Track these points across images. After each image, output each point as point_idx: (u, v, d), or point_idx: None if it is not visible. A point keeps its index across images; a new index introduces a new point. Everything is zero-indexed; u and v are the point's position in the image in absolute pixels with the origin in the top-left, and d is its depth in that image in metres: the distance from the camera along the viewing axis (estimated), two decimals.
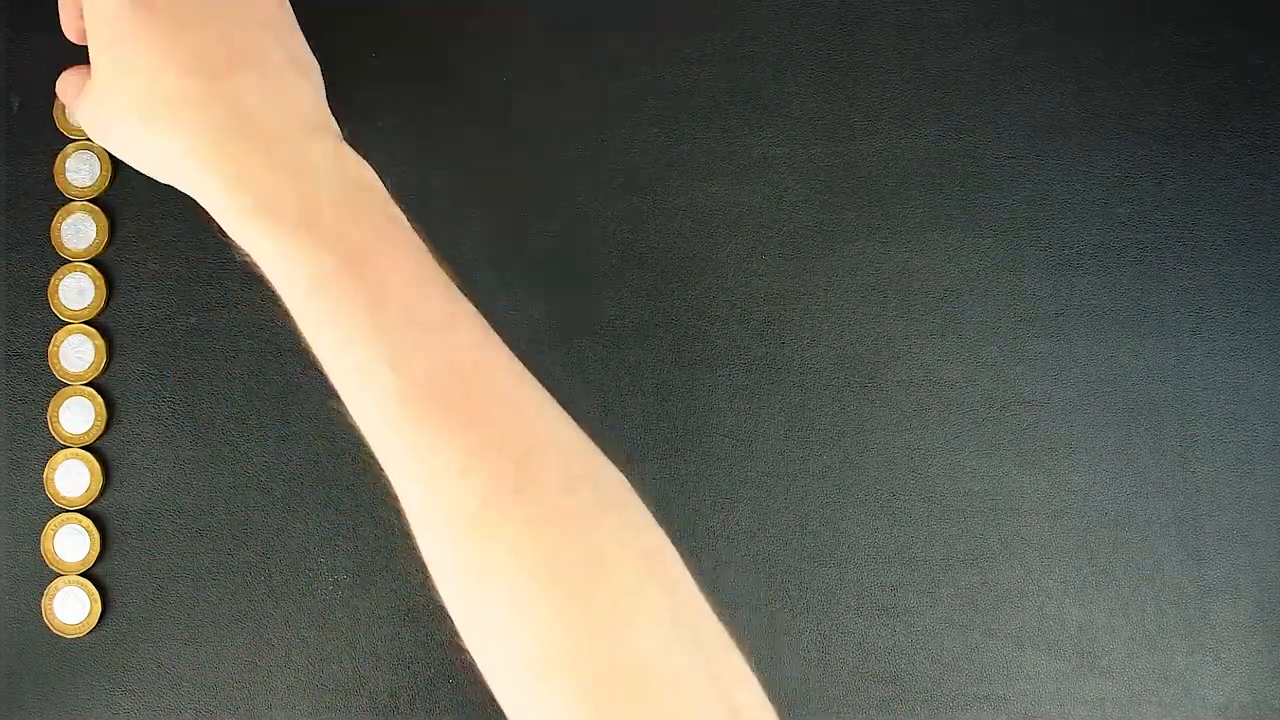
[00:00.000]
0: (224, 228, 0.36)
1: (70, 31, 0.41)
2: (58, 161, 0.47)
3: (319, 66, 0.39)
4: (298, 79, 0.37)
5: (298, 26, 0.39)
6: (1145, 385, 0.45)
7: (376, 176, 0.37)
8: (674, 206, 0.46)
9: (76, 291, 0.46)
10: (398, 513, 0.45)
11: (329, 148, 0.36)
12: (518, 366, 0.36)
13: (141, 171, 0.38)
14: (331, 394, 0.35)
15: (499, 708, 0.44)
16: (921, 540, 0.44)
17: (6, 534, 0.45)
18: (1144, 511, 0.44)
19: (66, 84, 0.42)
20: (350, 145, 0.37)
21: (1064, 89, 0.47)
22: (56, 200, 0.47)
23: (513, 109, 0.47)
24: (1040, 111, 0.47)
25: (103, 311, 0.46)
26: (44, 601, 0.45)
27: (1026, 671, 0.43)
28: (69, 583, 0.45)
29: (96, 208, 0.47)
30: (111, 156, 0.47)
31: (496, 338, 0.36)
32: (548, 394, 0.36)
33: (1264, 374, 0.45)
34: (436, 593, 0.45)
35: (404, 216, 0.37)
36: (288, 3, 0.40)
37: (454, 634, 0.44)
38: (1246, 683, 0.43)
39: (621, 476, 0.35)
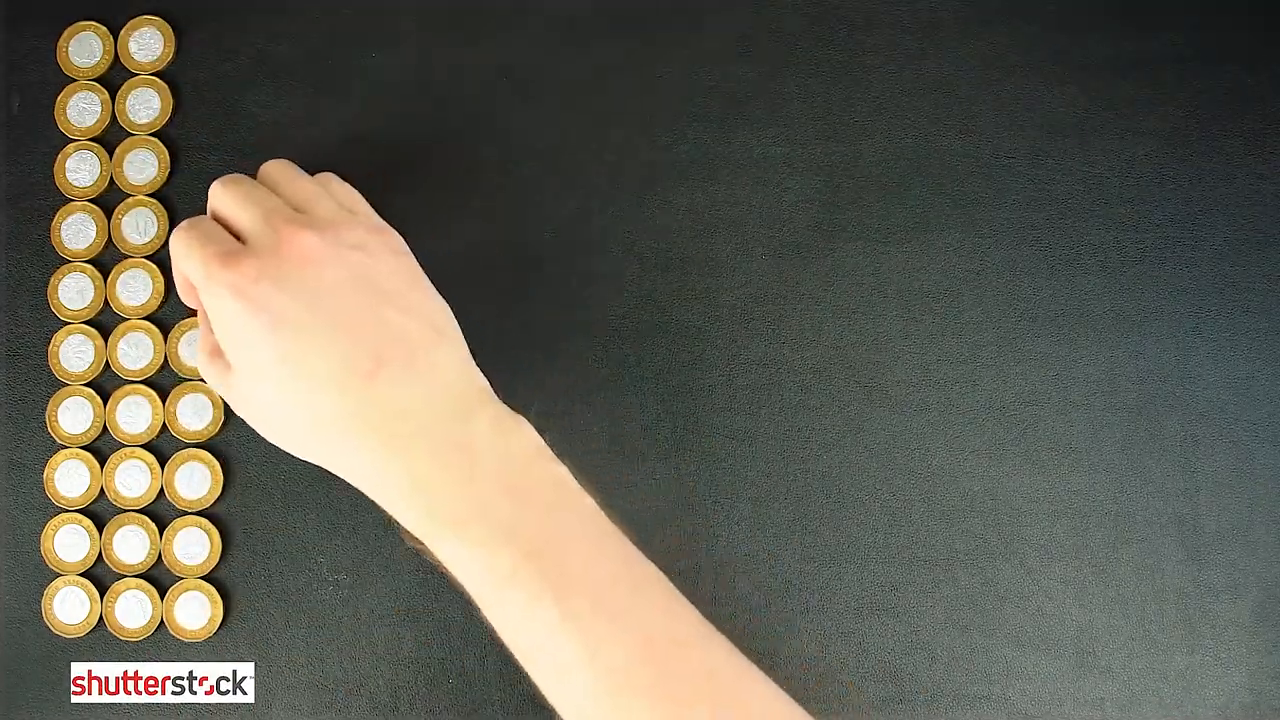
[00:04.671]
0: (407, 528, 0.36)
1: (184, 295, 0.41)
2: (58, 161, 0.47)
3: (450, 314, 0.39)
4: (439, 347, 0.37)
5: (421, 277, 0.39)
6: (1145, 385, 0.45)
7: (534, 433, 0.37)
8: (674, 206, 0.46)
9: (76, 291, 0.46)
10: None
11: (485, 424, 0.36)
12: (708, 628, 0.36)
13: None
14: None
15: (497, 708, 0.44)
16: (921, 540, 0.44)
17: (6, 534, 0.45)
18: (1144, 511, 0.44)
19: (205, 355, 0.40)
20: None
21: (1064, 89, 0.47)
22: (56, 200, 0.47)
23: (512, 109, 0.47)
24: (1040, 111, 0.47)
25: (102, 311, 0.46)
26: (44, 601, 0.45)
27: (1026, 671, 0.43)
28: (69, 583, 0.45)
29: (96, 208, 0.47)
30: (110, 157, 0.47)
31: (680, 596, 0.36)
32: (738, 652, 0.35)
33: (1264, 374, 0.45)
34: (438, 594, 0.45)
35: (568, 473, 0.36)
36: (407, 252, 0.39)
37: (454, 635, 0.44)
38: (1246, 683, 0.43)
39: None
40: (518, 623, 0.34)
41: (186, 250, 0.38)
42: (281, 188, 0.40)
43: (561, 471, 0.36)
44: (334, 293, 0.36)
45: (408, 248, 0.39)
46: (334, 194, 0.40)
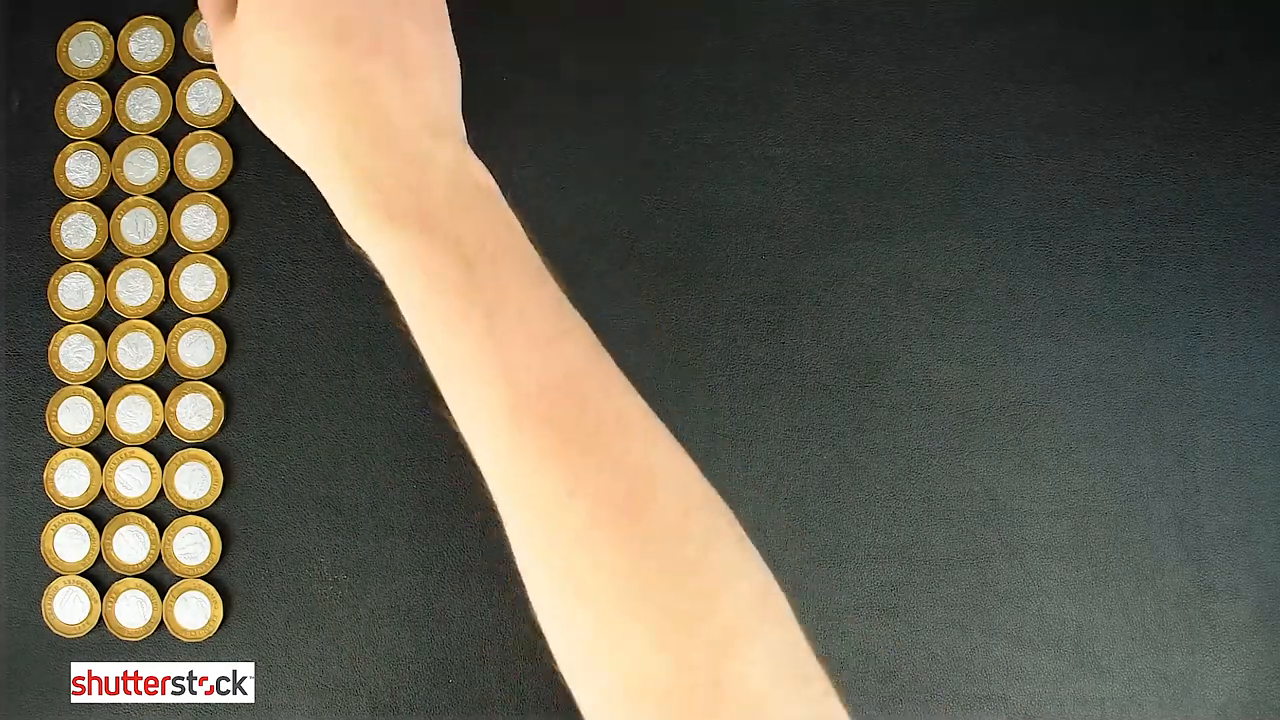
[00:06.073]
0: (342, 222, 0.36)
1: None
2: (58, 161, 0.47)
3: (458, 67, 0.39)
4: (430, 75, 0.37)
5: (447, 23, 0.39)
6: (1145, 385, 0.45)
7: (496, 185, 0.37)
8: (674, 206, 0.46)
9: (76, 291, 0.46)
10: (398, 512, 0.45)
11: (453, 152, 0.36)
12: (629, 386, 0.35)
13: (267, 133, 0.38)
14: (433, 398, 0.35)
15: (497, 708, 0.44)
16: (921, 540, 0.44)
17: (6, 534, 0.45)
18: (1144, 511, 0.44)
19: (210, 7, 0.41)
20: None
21: (1064, 89, 0.47)
22: (56, 200, 0.47)
23: (511, 109, 0.47)
24: (1040, 111, 0.47)
25: (102, 311, 0.46)
26: (44, 601, 0.45)
27: (1026, 671, 0.43)
28: (69, 582, 0.45)
29: (97, 208, 0.47)
30: (111, 157, 0.47)
31: (607, 355, 0.36)
32: (657, 418, 0.35)
33: (1264, 374, 0.45)
34: (438, 594, 0.45)
35: (520, 226, 0.36)
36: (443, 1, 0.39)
37: (454, 635, 0.44)
38: (1246, 683, 0.43)
39: (730, 511, 0.35)
40: (443, 331, 0.34)
41: None
42: None
43: (515, 219, 0.36)
44: None
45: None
46: None
